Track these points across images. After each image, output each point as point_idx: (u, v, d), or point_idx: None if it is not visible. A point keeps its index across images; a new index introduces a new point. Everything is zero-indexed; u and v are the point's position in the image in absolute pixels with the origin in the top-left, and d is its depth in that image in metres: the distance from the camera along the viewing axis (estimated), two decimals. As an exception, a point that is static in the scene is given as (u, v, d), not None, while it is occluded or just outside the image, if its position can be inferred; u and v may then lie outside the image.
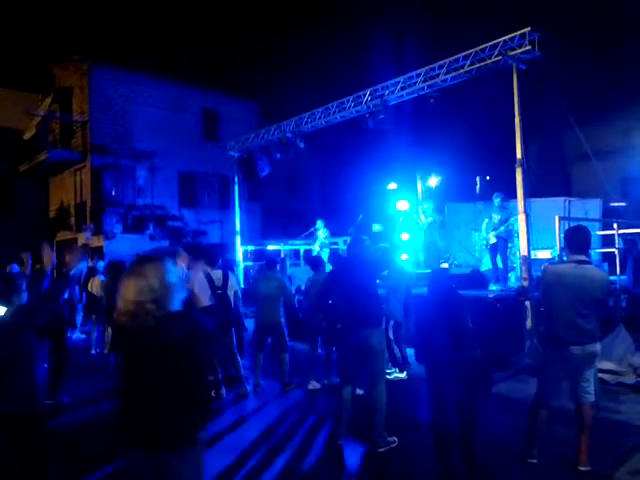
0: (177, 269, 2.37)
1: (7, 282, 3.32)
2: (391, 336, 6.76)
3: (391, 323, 6.77)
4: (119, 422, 2.30)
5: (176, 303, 2.30)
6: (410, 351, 6.81)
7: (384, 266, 5.07)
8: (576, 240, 3.92)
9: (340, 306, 4.65)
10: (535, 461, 3.85)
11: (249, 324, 7.05)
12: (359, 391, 5.57)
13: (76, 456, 4.47)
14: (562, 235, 6.10)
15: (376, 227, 10.71)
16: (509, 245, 9.47)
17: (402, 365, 6.79)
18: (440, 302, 3.68)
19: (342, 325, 4.70)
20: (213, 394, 5.87)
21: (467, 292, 7.68)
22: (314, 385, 6.39)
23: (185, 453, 2.24)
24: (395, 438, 4.45)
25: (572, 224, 9.02)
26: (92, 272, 9.49)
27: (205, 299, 2.56)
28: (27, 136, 18.22)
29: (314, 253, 12.67)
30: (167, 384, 2.19)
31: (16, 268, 6.59)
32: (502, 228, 8.94)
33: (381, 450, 4.32)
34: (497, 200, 9.10)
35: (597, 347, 3.79)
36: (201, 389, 2.32)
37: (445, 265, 10.05)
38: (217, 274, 5.97)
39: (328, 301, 4.82)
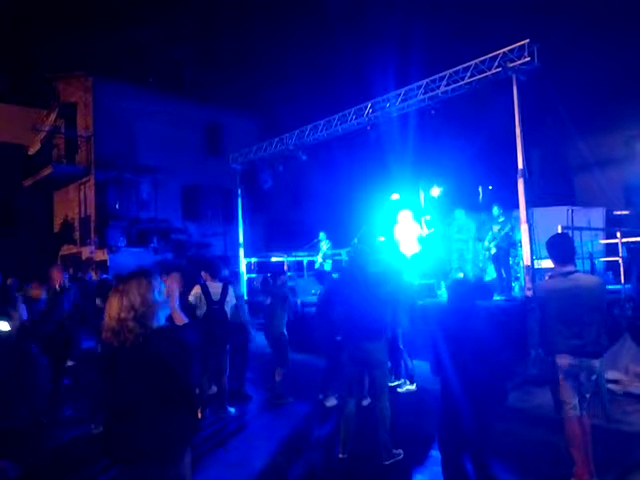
0: (160, 286, 2.40)
1: (3, 295, 3.24)
2: (402, 347, 6.69)
3: (400, 333, 6.71)
4: (106, 435, 2.32)
5: (160, 319, 2.33)
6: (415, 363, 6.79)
7: (390, 278, 5.02)
8: (557, 250, 3.82)
9: (344, 318, 4.63)
10: None
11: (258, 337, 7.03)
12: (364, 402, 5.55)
13: (75, 470, 4.46)
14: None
15: (380, 238, 10.71)
16: (512, 255, 9.46)
17: (412, 377, 6.72)
18: (461, 314, 3.63)
19: (342, 337, 4.68)
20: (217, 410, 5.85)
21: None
22: (332, 402, 6.10)
23: (171, 465, 2.26)
24: (401, 451, 4.42)
25: (576, 233, 9.06)
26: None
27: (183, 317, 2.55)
28: (32, 151, 18.41)
29: (317, 265, 12.70)
30: (151, 398, 2.20)
31: (16, 283, 6.62)
32: (499, 237, 8.97)
33: (387, 463, 4.29)
34: (495, 211, 9.15)
35: (595, 363, 3.72)
36: (186, 404, 2.33)
37: (461, 275, 10.02)
38: (216, 287, 5.82)
39: (329, 313, 4.79)
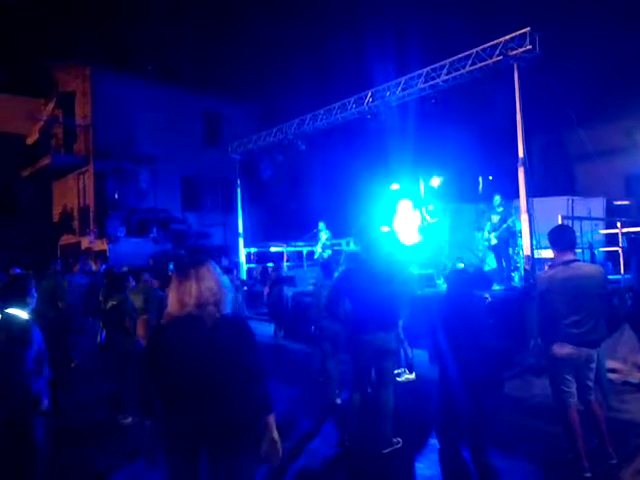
0: (222, 271, 2.42)
1: (21, 283, 3.28)
2: (402, 336, 6.68)
3: (401, 323, 6.71)
4: (166, 426, 2.26)
5: (229, 305, 2.34)
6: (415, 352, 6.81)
7: (399, 270, 4.95)
8: (558, 239, 3.87)
9: (355, 310, 4.59)
10: (589, 474, 3.62)
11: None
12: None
13: (69, 462, 4.49)
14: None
15: (384, 229, 10.65)
16: (511, 245, 9.45)
17: (412, 366, 6.74)
18: (459, 303, 3.63)
19: (352, 329, 4.64)
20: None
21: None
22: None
23: (244, 456, 2.25)
24: (399, 439, 4.43)
25: (576, 223, 9.04)
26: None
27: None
28: (30, 141, 18.34)
29: (316, 255, 12.68)
30: (227, 384, 2.19)
31: (17, 271, 6.62)
32: (499, 228, 8.94)
33: (386, 451, 4.31)
34: (496, 200, 9.10)
35: (593, 353, 3.74)
36: (259, 391, 2.31)
37: (461, 265, 10.00)
38: None
39: (339, 306, 4.75)
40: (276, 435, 2.34)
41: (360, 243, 4.81)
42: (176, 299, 2.25)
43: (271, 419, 2.34)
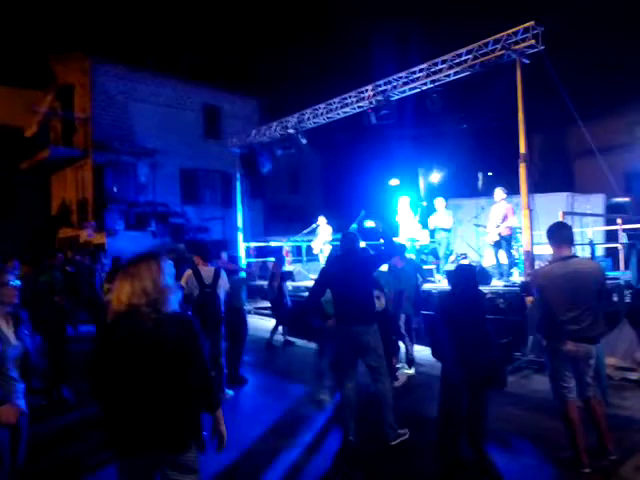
0: (171, 269, 2.33)
1: None
2: (403, 331, 6.69)
3: (403, 318, 6.71)
4: (110, 428, 2.22)
5: (173, 305, 2.27)
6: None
7: (379, 261, 4.90)
8: (554, 235, 3.88)
9: (335, 302, 4.60)
10: (589, 470, 3.63)
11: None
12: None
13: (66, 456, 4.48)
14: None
15: (369, 223, 10.51)
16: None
17: (412, 361, 6.74)
18: (465, 300, 3.61)
19: (335, 321, 4.65)
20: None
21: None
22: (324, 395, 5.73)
23: (189, 452, 2.23)
24: (406, 430, 4.42)
25: (576, 219, 9.03)
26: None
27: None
28: (29, 133, 18.23)
29: (314, 250, 12.66)
30: (166, 385, 2.16)
31: (17, 265, 6.56)
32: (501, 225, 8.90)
33: (393, 443, 4.30)
34: (497, 195, 9.04)
35: (592, 349, 3.74)
36: (201, 389, 2.28)
37: (466, 261, 9.95)
38: (208, 271, 5.77)
39: (319, 299, 4.75)
40: (223, 428, 2.39)
41: (342, 238, 4.76)
42: (115, 296, 2.22)
43: (219, 413, 2.38)
